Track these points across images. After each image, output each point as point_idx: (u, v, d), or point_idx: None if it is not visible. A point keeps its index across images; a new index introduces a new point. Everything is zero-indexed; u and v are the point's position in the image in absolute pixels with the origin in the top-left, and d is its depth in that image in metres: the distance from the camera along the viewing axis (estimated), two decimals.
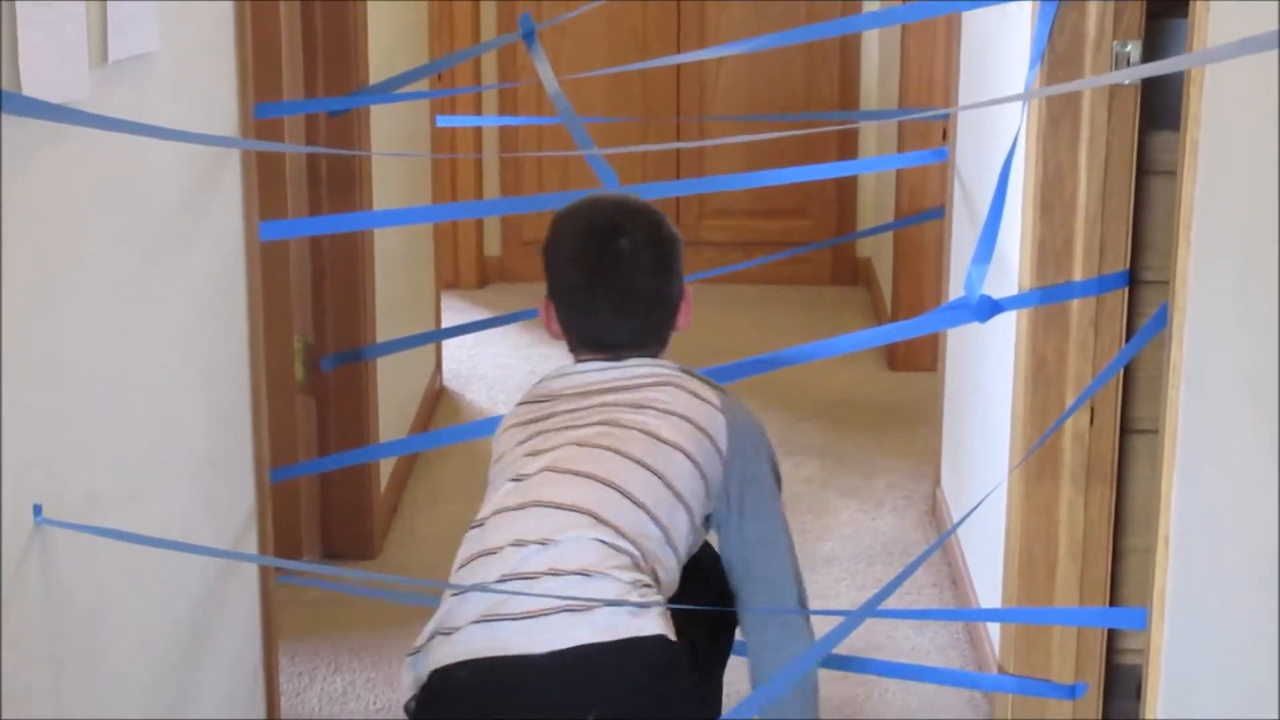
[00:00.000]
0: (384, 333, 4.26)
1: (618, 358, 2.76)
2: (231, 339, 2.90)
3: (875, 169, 5.83)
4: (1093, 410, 3.20)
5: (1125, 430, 3.26)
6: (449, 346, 5.75)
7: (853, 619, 2.62)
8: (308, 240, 3.89)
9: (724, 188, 5.42)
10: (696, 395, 2.70)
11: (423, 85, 4.77)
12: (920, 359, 5.61)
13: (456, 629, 2.48)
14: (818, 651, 2.58)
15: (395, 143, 4.64)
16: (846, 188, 6.58)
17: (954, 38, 4.20)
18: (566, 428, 2.65)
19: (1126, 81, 3.07)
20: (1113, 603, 3.32)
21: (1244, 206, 2.11)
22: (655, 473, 2.58)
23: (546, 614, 2.44)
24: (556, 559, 2.47)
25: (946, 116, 4.38)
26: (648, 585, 2.50)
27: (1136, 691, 3.14)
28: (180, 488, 2.62)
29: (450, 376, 5.72)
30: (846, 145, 6.53)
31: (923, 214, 5.28)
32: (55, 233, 2.09)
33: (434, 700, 2.50)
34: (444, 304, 5.84)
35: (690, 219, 6.67)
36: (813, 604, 3.92)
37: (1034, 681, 3.35)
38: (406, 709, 2.59)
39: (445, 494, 4.58)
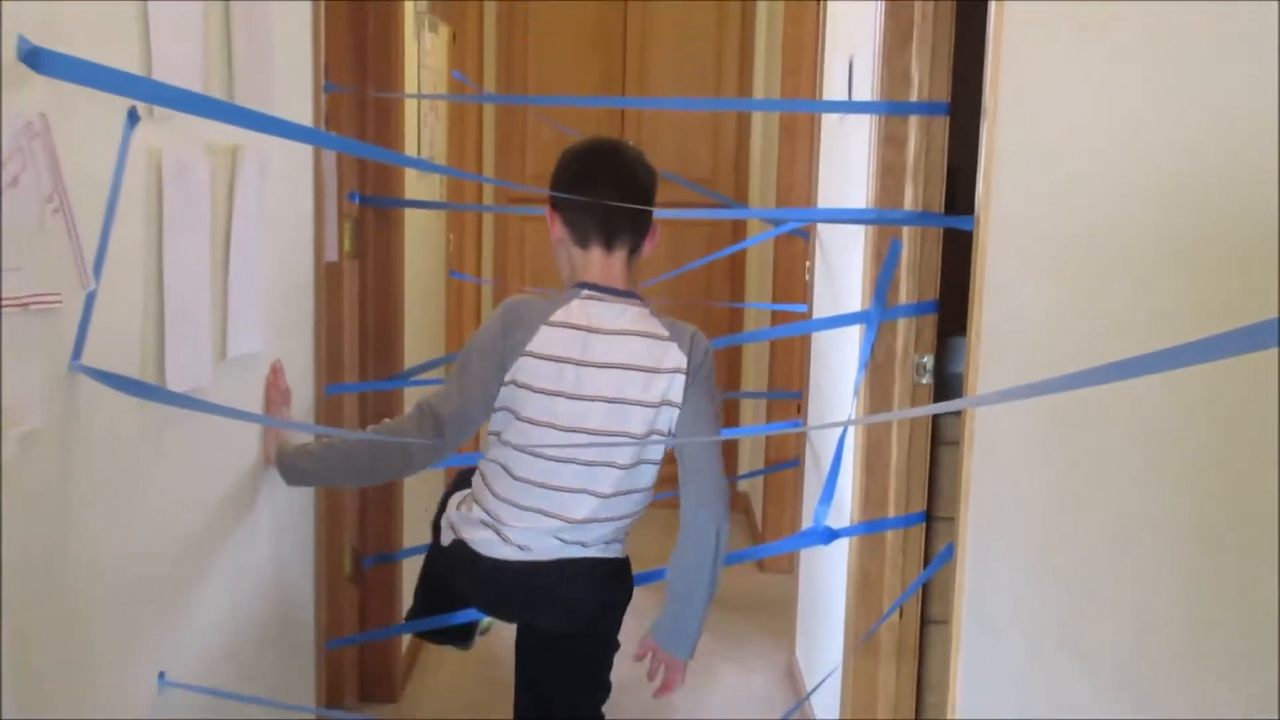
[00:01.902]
0: (410, 539, 4.24)
1: (610, 248, 2.56)
2: (303, 546, 2.89)
3: (750, 433, 5.88)
4: (901, 610, 3.21)
5: (925, 622, 3.26)
6: None
7: None
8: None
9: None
10: (660, 352, 2.53)
11: (441, 370, 4.80)
12: (782, 565, 5.59)
13: (508, 536, 2.55)
14: None
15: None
16: (730, 444, 6.61)
17: (807, 343, 4.29)
18: (586, 404, 2.51)
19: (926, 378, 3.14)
20: None
21: (1007, 470, 2.15)
22: (643, 456, 2.56)
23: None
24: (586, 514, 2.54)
25: (800, 406, 4.44)
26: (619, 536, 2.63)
27: None
28: (267, 654, 2.59)
29: None
30: (732, 408, 6.58)
31: (783, 464, 5.32)
32: (187, 477, 2.10)
33: (470, 565, 2.59)
34: None
35: None
36: None
37: None
38: (442, 543, 2.68)
39: (448, 656, 4.51)
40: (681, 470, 2.58)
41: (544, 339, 2.50)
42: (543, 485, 2.53)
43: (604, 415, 2.50)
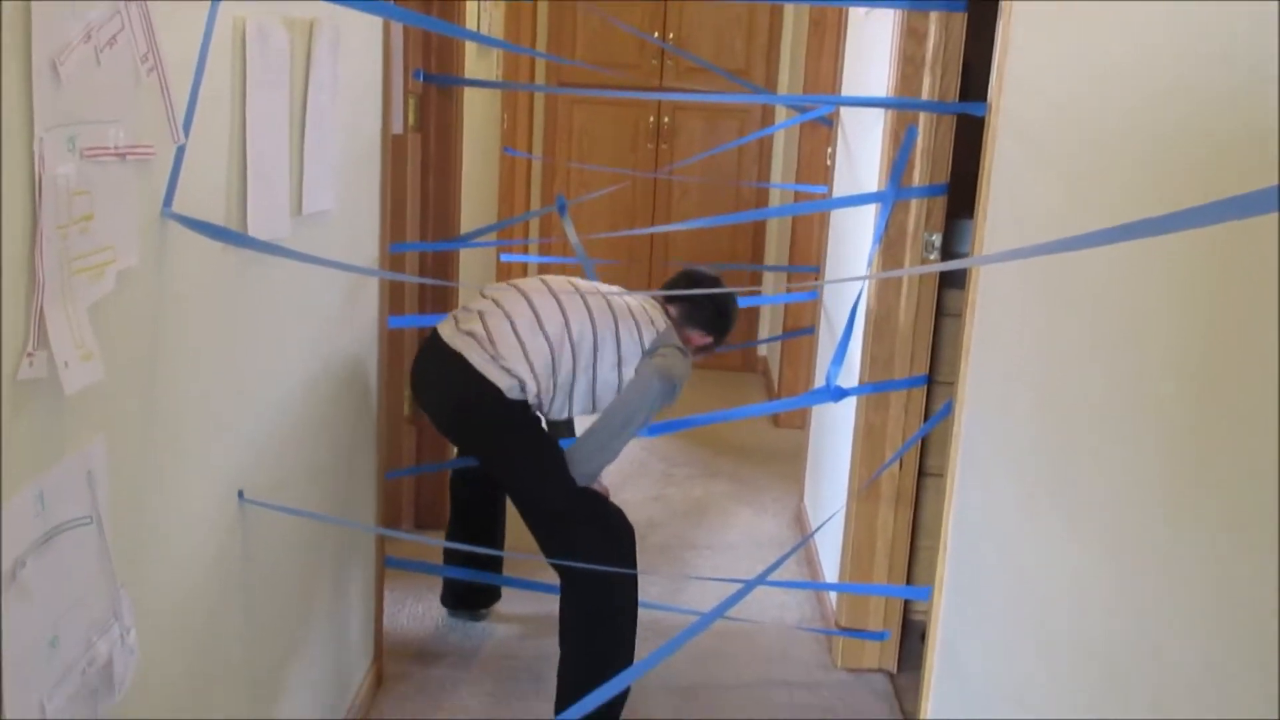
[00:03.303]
0: None
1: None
2: (367, 389, 2.92)
3: (771, 302, 5.86)
4: (901, 461, 3.22)
5: (921, 473, 3.28)
6: None
7: (749, 585, 2.62)
8: (416, 330, 3.90)
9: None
10: (637, 336, 2.91)
11: (492, 235, 4.79)
12: (795, 421, 5.62)
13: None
14: (729, 603, 2.55)
15: (475, 267, 4.65)
16: (752, 311, 6.59)
17: (826, 221, 4.25)
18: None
19: (932, 254, 3.11)
20: (909, 582, 3.33)
21: (1003, 340, 2.14)
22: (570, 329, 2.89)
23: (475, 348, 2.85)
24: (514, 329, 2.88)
25: (817, 279, 4.42)
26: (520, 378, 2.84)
27: (922, 637, 3.15)
28: (333, 480, 2.62)
29: None
30: (755, 279, 6.54)
31: (800, 330, 5.31)
32: (264, 318, 2.11)
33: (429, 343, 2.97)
34: None
35: None
36: (720, 574, 3.90)
37: (856, 632, 3.36)
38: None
39: None
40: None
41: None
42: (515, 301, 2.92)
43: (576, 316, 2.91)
